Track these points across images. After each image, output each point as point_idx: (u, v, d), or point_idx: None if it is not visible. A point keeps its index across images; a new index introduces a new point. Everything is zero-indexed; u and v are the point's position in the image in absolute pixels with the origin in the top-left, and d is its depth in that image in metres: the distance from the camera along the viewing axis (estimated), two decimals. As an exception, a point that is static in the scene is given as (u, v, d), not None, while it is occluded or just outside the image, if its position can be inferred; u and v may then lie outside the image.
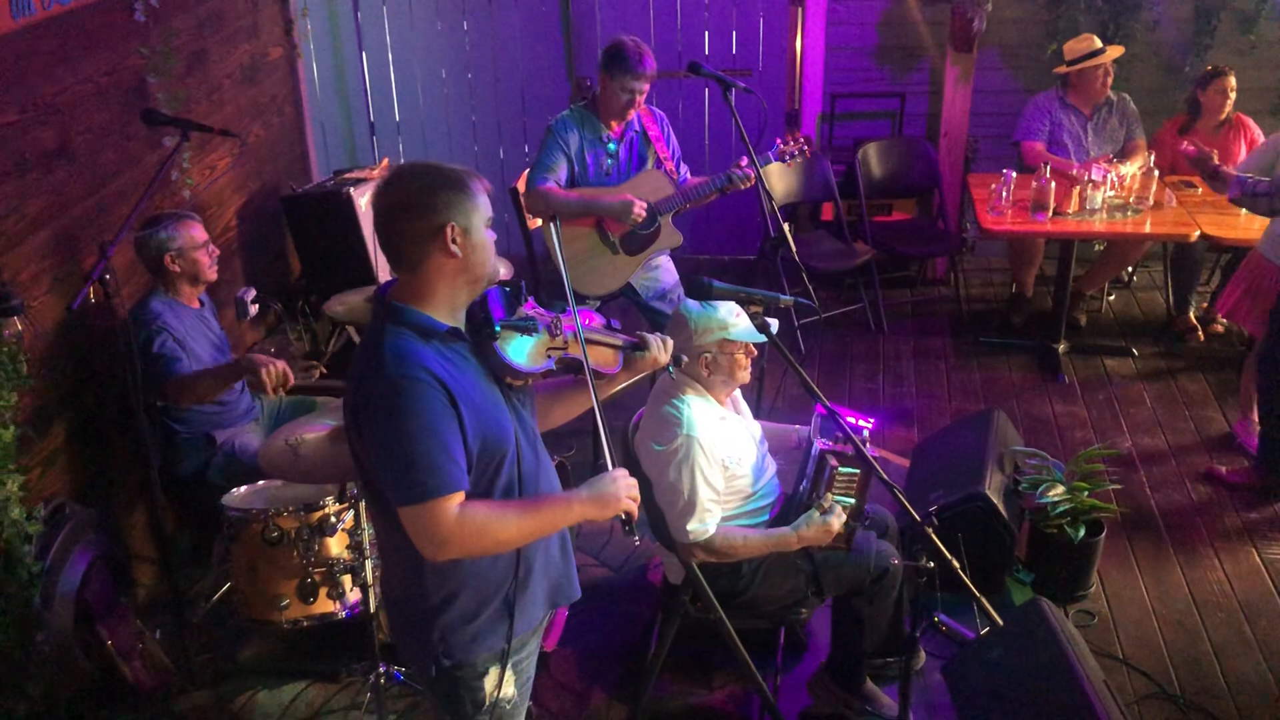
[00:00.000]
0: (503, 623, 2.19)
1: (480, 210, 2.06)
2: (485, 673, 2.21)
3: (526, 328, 2.17)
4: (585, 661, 3.52)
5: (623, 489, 2.14)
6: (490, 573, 2.15)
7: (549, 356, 2.19)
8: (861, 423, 3.06)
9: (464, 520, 1.98)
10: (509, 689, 2.25)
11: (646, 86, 4.07)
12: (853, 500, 2.95)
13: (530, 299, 2.25)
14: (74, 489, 3.56)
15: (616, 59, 4.01)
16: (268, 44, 5.20)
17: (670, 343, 2.42)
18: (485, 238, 2.07)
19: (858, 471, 2.91)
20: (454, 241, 2.02)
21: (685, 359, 2.72)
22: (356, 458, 2.12)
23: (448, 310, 2.09)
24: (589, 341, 2.26)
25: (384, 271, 4.54)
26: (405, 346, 2.00)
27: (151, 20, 3.97)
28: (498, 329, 2.09)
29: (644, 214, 4.12)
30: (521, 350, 2.14)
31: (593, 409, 2.23)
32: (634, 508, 2.15)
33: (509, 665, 2.22)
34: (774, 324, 2.76)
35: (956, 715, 3.00)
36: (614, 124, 4.18)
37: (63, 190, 3.54)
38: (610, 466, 2.18)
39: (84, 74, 3.64)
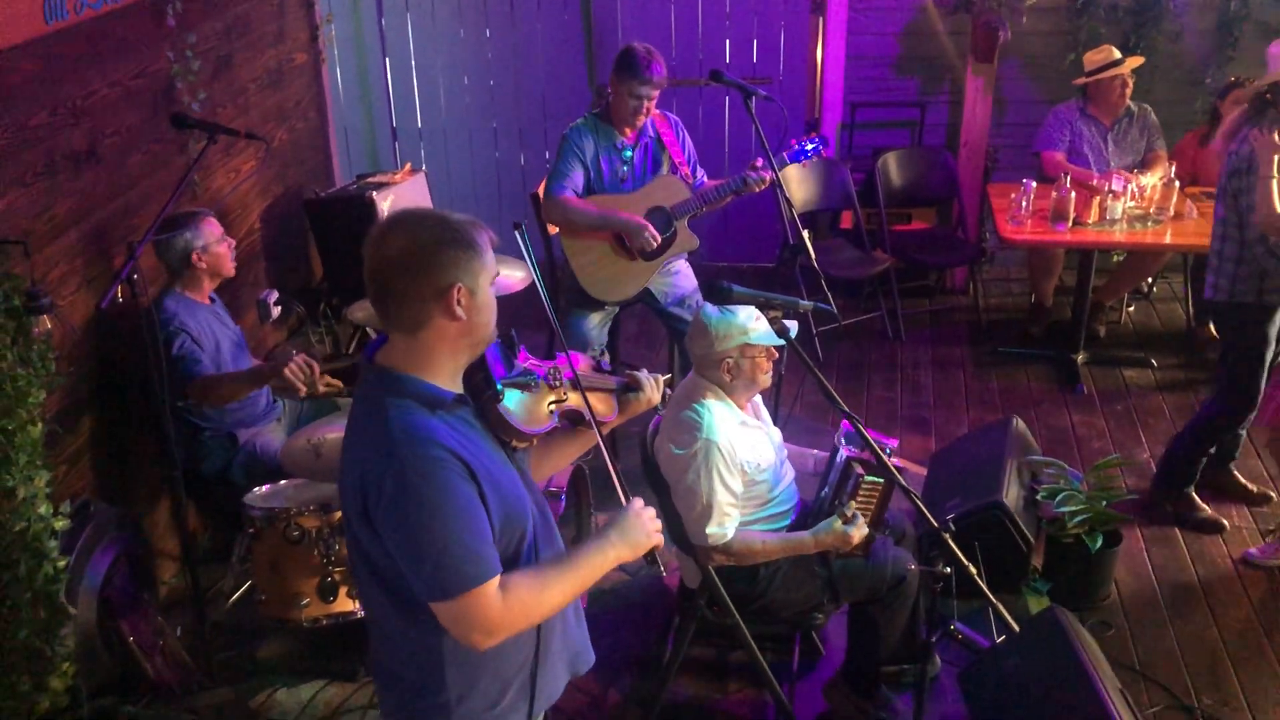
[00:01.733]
0: (524, 703, 2.06)
1: (487, 269, 1.88)
2: None
3: (526, 383, 2.05)
4: (601, 664, 3.49)
5: (647, 522, 2.04)
6: (513, 655, 2.01)
7: (551, 412, 2.09)
8: (885, 443, 3.07)
9: (510, 601, 1.84)
10: None
11: (655, 93, 4.09)
12: (873, 510, 2.96)
13: (523, 348, 2.14)
14: (98, 486, 3.60)
15: (625, 65, 4.04)
16: (293, 49, 5.25)
17: (662, 380, 2.33)
18: (490, 298, 1.91)
19: (880, 481, 2.92)
20: (459, 304, 1.83)
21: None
22: (357, 544, 1.91)
23: (449, 376, 1.92)
24: (589, 389, 2.17)
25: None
26: (414, 421, 1.81)
27: (179, 25, 4.02)
28: (500, 389, 1.95)
29: (656, 243, 4.15)
30: (525, 409, 2.03)
31: (596, 445, 2.15)
32: (660, 540, 2.05)
33: None
34: (793, 327, 2.77)
35: (972, 723, 3.01)
36: (628, 130, 4.20)
37: (91, 191, 3.59)
38: (624, 500, 2.08)
39: (113, 77, 3.69)
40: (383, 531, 1.83)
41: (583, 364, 2.25)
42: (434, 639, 1.92)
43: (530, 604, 1.89)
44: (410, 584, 1.85)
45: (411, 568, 1.82)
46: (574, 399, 2.13)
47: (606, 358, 4.47)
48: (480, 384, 1.96)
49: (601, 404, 2.23)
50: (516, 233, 2.14)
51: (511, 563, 1.93)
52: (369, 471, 1.81)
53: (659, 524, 2.07)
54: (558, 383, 2.12)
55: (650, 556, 2.05)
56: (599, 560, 1.99)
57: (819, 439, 3.56)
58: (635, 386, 2.28)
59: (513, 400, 1.99)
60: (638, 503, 2.07)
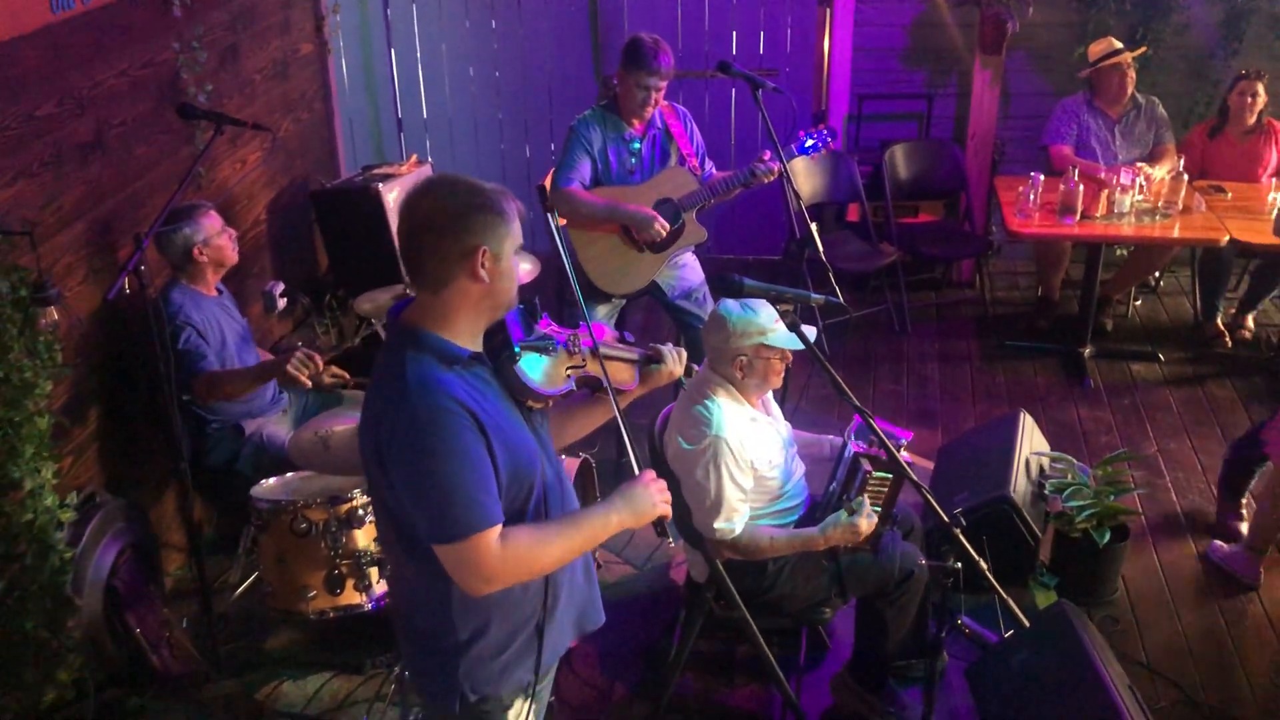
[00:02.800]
0: (531, 654, 2.13)
1: (513, 236, 1.98)
2: (510, 705, 2.15)
3: (544, 347, 2.12)
4: (608, 658, 3.54)
5: (655, 493, 2.10)
6: (521, 603, 2.09)
7: (568, 376, 2.15)
8: (899, 437, 3.07)
9: (509, 551, 1.93)
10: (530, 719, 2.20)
11: (663, 84, 4.07)
12: (882, 504, 2.94)
13: (545, 316, 2.20)
14: (105, 478, 3.60)
15: (633, 56, 4.03)
16: (299, 40, 5.23)
17: (684, 354, 2.37)
18: (513, 265, 2.00)
19: (889, 476, 2.90)
20: (483, 266, 1.93)
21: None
22: (375, 489, 2.02)
23: (468, 335, 2.01)
24: (607, 358, 2.22)
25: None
26: (429, 375, 1.91)
27: (186, 15, 4.01)
28: (517, 350, 2.04)
29: (665, 234, 4.14)
30: (541, 371, 2.09)
31: (614, 418, 2.20)
32: (668, 510, 2.12)
33: (532, 696, 2.17)
34: (811, 332, 2.74)
35: (979, 718, 3.00)
36: (635, 122, 4.19)
37: (97, 182, 3.58)
38: (636, 470, 2.15)
39: (119, 67, 3.68)
40: (392, 475, 1.93)
41: (607, 335, 2.32)
42: (443, 584, 2.00)
43: (527, 557, 1.97)
44: (418, 529, 1.94)
45: (417, 511, 1.92)
46: (593, 366, 2.19)
47: None
48: (499, 345, 2.05)
49: (623, 373, 2.29)
50: (550, 215, 2.31)
51: (518, 518, 2.01)
52: (384, 418, 1.92)
53: (668, 495, 2.13)
54: (576, 349, 2.18)
55: (660, 528, 2.13)
56: (601, 523, 2.07)
57: (825, 432, 3.54)
58: (658, 359, 2.33)
59: (529, 362, 2.07)
60: (649, 473, 2.13)
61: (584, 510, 2.12)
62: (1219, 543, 3.98)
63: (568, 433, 2.36)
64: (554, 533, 2.02)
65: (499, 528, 1.92)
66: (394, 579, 2.18)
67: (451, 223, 1.91)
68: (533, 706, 2.19)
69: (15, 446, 2.90)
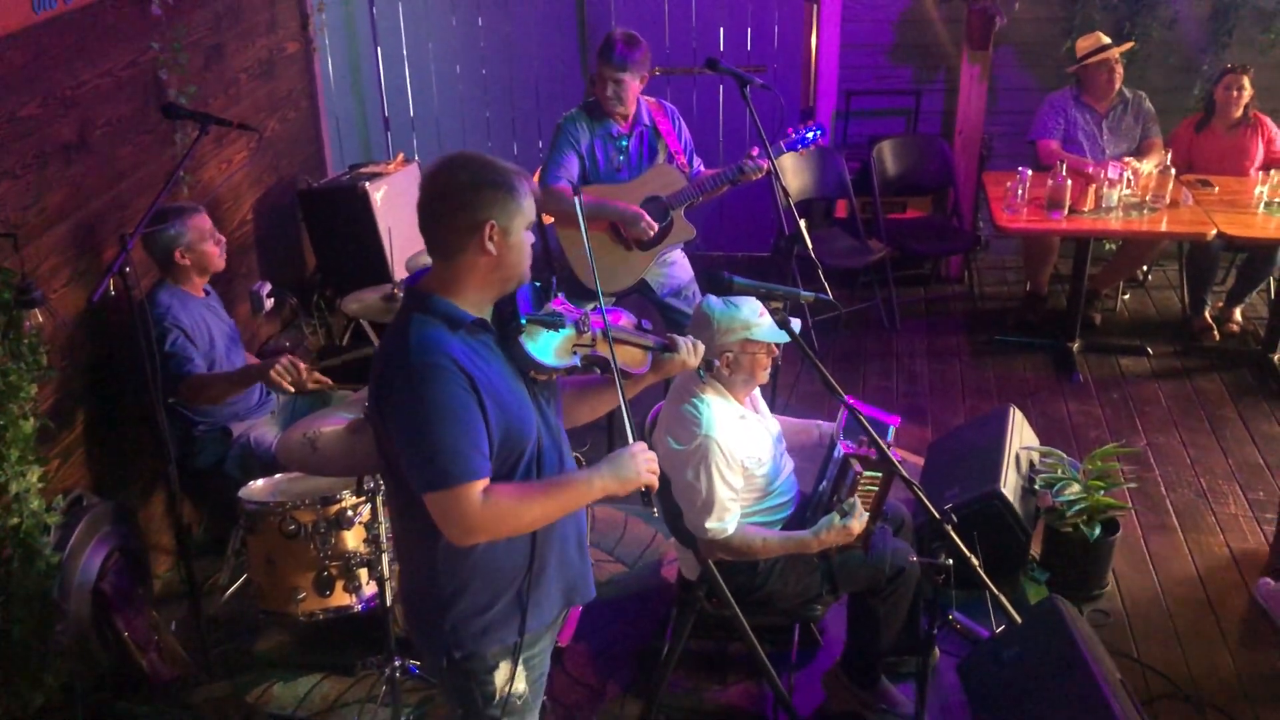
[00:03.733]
0: (515, 617, 2.19)
1: (524, 213, 2.06)
2: (496, 666, 2.21)
3: (553, 323, 2.18)
4: (600, 657, 3.53)
5: (642, 463, 2.15)
6: (504, 565, 2.16)
7: (574, 353, 2.20)
8: (886, 423, 3.06)
9: (489, 505, 2.00)
10: (520, 685, 2.25)
11: (626, 77, 4.06)
12: (872, 502, 2.94)
13: (560, 296, 2.28)
14: (92, 480, 3.58)
15: (601, 50, 4.06)
16: (284, 39, 5.21)
17: (701, 346, 2.44)
18: (523, 240, 2.08)
19: (880, 475, 2.90)
20: (491, 239, 2.02)
21: (716, 363, 2.75)
22: (380, 442, 2.13)
23: (476, 304, 2.09)
24: (617, 341, 2.28)
25: (399, 266, 4.55)
26: (431, 335, 2.01)
27: (168, 15, 3.98)
28: (523, 323, 2.12)
29: (652, 232, 4.13)
30: (546, 346, 2.16)
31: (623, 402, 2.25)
32: (654, 480, 2.17)
33: (520, 661, 2.23)
34: (796, 323, 2.75)
35: (971, 713, 3.01)
36: (618, 118, 4.18)
37: (81, 183, 3.55)
38: (631, 439, 2.20)
39: (103, 68, 3.65)
40: (389, 427, 2.03)
41: (623, 319, 2.38)
42: (430, 539, 2.09)
43: (507, 513, 2.04)
44: (407, 477, 2.03)
45: (408, 459, 2.01)
46: (603, 348, 2.25)
47: None
48: (506, 316, 2.14)
49: (634, 357, 2.35)
50: (576, 198, 2.40)
51: (507, 479, 2.09)
52: (385, 370, 2.03)
53: (655, 466, 2.18)
54: (586, 329, 2.24)
55: (646, 498, 2.17)
56: (584, 487, 2.13)
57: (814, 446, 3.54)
58: (673, 348, 2.39)
59: (535, 336, 2.14)
60: (640, 444, 2.19)
61: (569, 473, 2.21)
62: (1270, 580, 3.73)
63: (579, 413, 2.42)
64: (537, 491, 2.10)
65: (483, 482, 2.00)
66: (397, 537, 2.29)
67: (463, 196, 2.01)
68: (521, 671, 2.24)
69: (0, 451, 2.88)
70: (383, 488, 3.08)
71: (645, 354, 2.37)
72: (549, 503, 2.11)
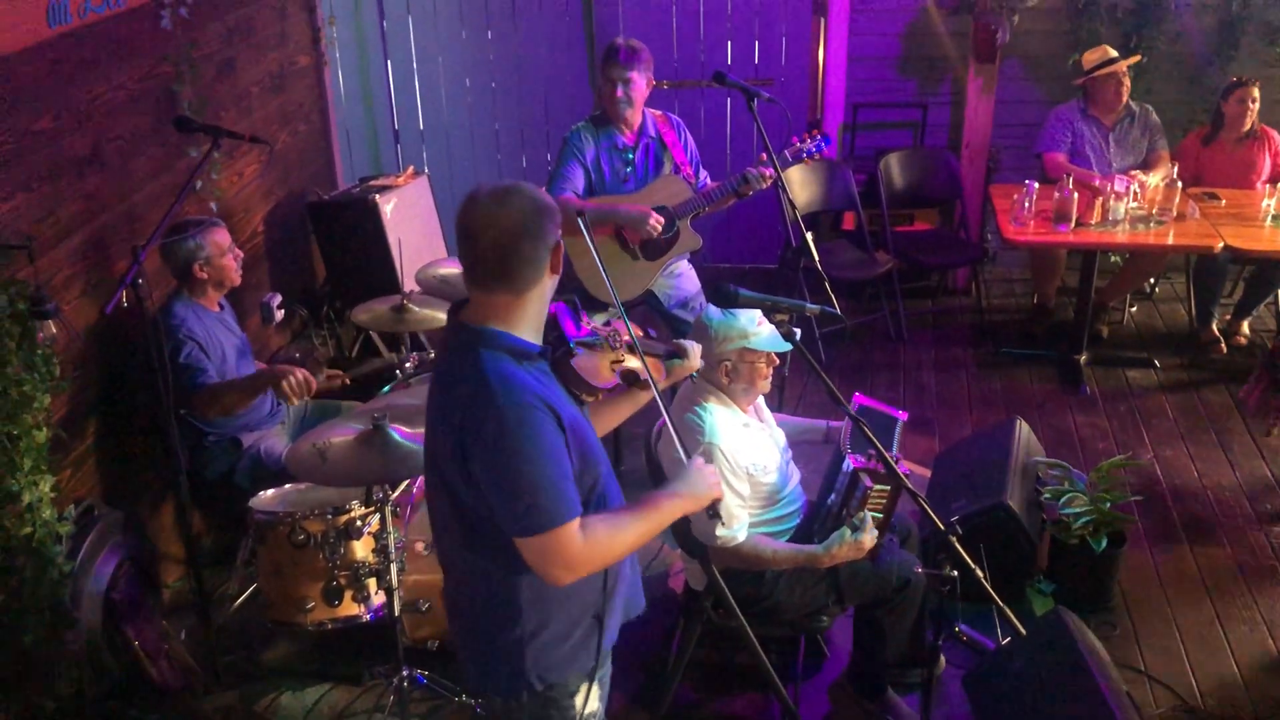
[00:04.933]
0: (592, 639, 2.20)
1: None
2: (576, 691, 2.22)
3: (591, 343, 2.21)
4: (606, 667, 3.53)
5: (710, 476, 2.22)
6: (585, 591, 2.15)
7: (614, 370, 2.24)
8: (895, 417, 3.09)
9: (590, 541, 2.00)
10: (594, 704, 2.26)
11: (632, 77, 4.09)
12: (881, 515, 2.95)
13: (584, 312, 2.31)
14: (103, 491, 3.60)
15: (606, 56, 4.12)
16: (295, 52, 5.25)
17: (699, 349, 2.49)
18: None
19: (888, 488, 2.91)
20: (557, 256, 2.03)
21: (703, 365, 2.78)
22: (446, 488, 2.07)
23: (533, 331, 2.08)
24: (641, 352, 2.32)
25: (409, 278, 4.57)
26: (509, 372, 1.98)
27: (181, 29, 4.02)
28: (572, 347, 2.14)
29: (659, 228, 4.15)
30: (591, 365, 2.18)
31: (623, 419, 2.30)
32: (721, 492, 2.24)
33: (595, 680, 2.24)
34: (797, 332, 2.77)
35: (977, 725, 3.01)
36: (627, 129, 4.21)
37: (95, 196, 3.59)
38: (684, 457, 2.26)
39: (116, 81, 3.69)
40: (479, 473, 1.98)
41: (637, 332, 2.40)
42: (514, 578, 2.07)
43: (606, 543, 2.05)
44: (500, 523, 1.99)
45: (504, 506, 1.97)
46: (631, 360, 2.29)
47: None
48: (554, 341, 2.14)
49: (655, 368, 2.40)
50: (580, 220, 2.42)
51: (585, 507, 2.06)
52: (469, 417, 1.96)
53: (719, 478, 2.26)
54: (618, 344, 2.28)
55: (712, 509, 2.23)
56: (667, 508, 2.17)
57: (823, 446, 3.55)
58: (680, 353, 2.45)
59: (583, 357, 2.17)
60: (699, 459, 2.25)
61: (650, 496, 2.19)
62: None
63: (601, 424, 2.43)
64: (628, 519, 2.11)
65: (580, 518, 2.00)
66: (457, 577, 2.22)
67: (538, 225, 1.99)
68: (596, 690, 2.26)
69: (13, 460, 2.91)
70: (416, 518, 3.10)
71: (659, 362, 2.43)
72: (640, 527, 2.11)
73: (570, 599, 2.14)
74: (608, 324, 2.33)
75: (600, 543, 2.02)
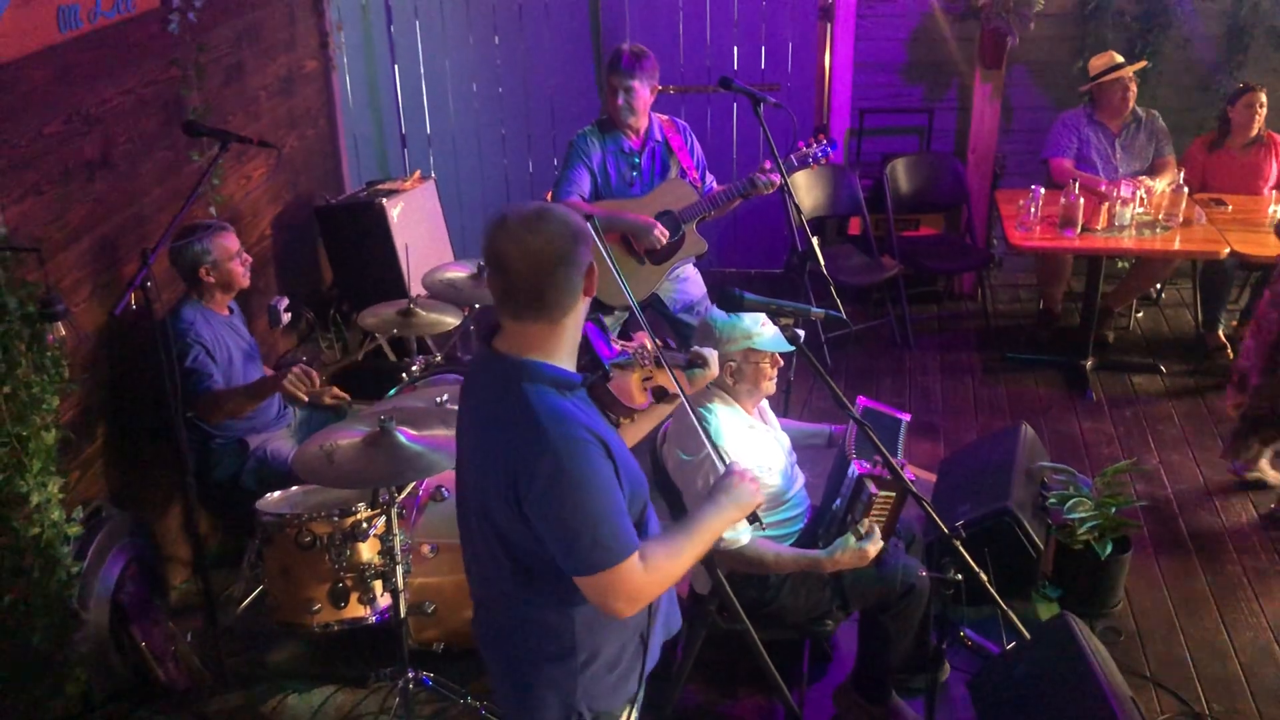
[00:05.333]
0: (638, 663, 2.19)
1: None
2: (620, 715, 2.21)
3: (623, 363, 2.18)
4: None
5: (750, 483, 2.18)
6: (633, 619, 2.11)
7: (645, 389, 2.20)
8: (899, 418, 3.09)
9: (650, 569, 1.98)
10: None
11: (637, 85, 4.11)
12: (885, 521, 2.95)
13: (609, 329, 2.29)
14: (110, 492, 3.62)
15: (610, 62, 4.14)
16: (304, 57, 5.28)
17: (715, 353, 2.46)
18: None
19: (893, 495, 2.92)
20: (591, 279, 1.98)
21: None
22: (492, 525, 2.01)
23: (570, 357, 2.03)
24: (665, 366, 2.26)
25: (415, 282, 4.59)
26: (557, 406, 1.93)
27: (189, 33, 4.05)
28: (608, 369, 2.10)
29: (664, 239, 4.16)
30: (626, 388, 2.14)
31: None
32: (763, 499, 2.23)
33: (636, 705, 2.23)
34: (802, 334, 2.77)
35: (982, 729, 3.01)
36: (633, 134, 4.22)
37: (104, 199, 3.61)
38: (721, 466, 2.25)
39: (125, 85, 3.72)
40: (534, 512, 1.92)
41: (652, 344, 2.36)
42: (567, 610, 2.04)
43: (666, 570, 2.03)
44: (559, 561, 1.95)
45: (564, 545, 1.92)
46: (659, 375, 2.24)
47: None
48: (589, 365, 2.10)
49: (679, 380, 2.34)
50: (590, 224, 2.29)
51: (635, 530, 2.02)
52: (521, 455, 1.90)
53: (759, 483, 2.22)
54: (646, 360, 2.23)
55: (753, 515, 2.20)
56: (717, 523, 2.14)
57: (826, 450, 3.55)
58: (701, 362, 2.40)
59: (618, 379, 2.13)
60: (736, 465, 2.22)
61: (697, 514, 2.16)
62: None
63: (626, 442, 2.39)
64: (682, 541, 2.08)
65: (639, 549, 1.96)
66: (500, 610, 2.14)
67: (571, 251, 1.92)
68: (635, 714, 2.25)
69: (23, 461, 2.92)
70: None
71: (682, 373, 2.37)
72: (695, 548, 2.09)
73: (621, 626, 2.11)
74: (630, 339, 2.30)
75: (661, 570, 2.00)
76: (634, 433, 2.40)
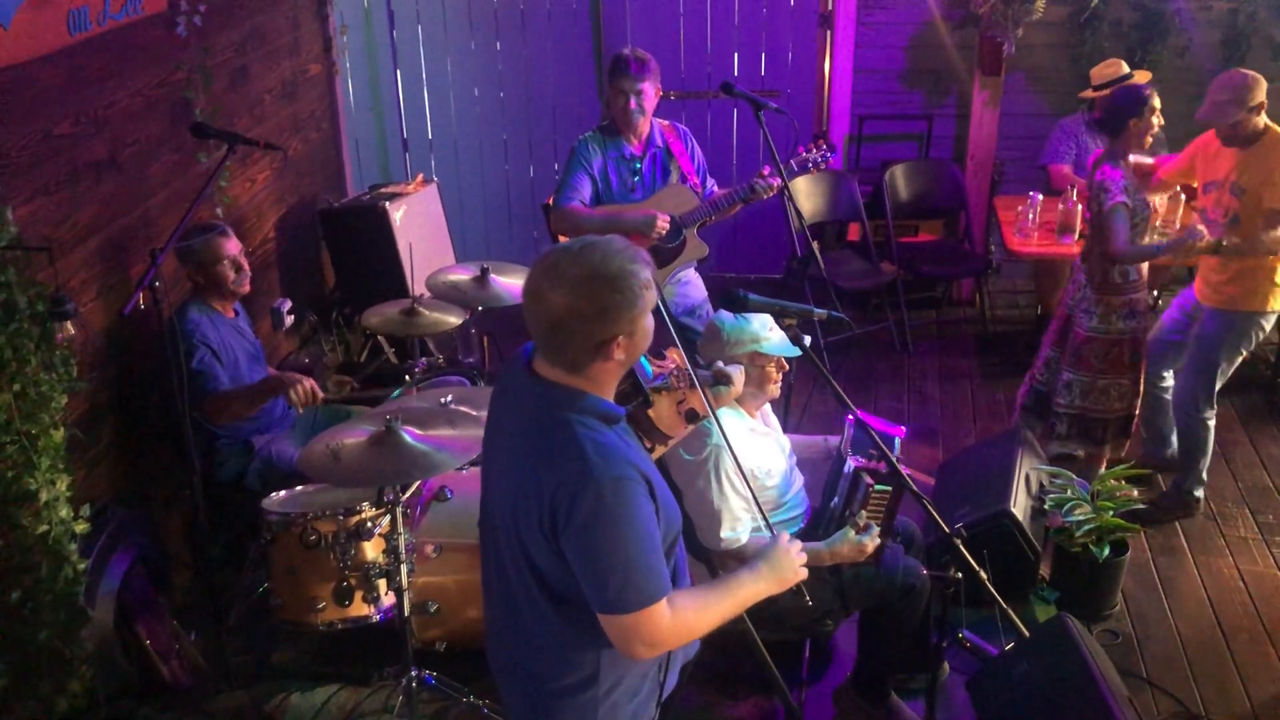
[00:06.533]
0: (655, 691, 2.18)
1: (648, 306, 1.93)
2: None
3: (660, 387, 2.14)
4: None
5: (795, 557, 2.16)
6: None
7: (681, 414, 2.17)
8: (892, 434, 3.10)
9: (677, 620, 1.96)
10: None
11: (643, 89, 4.14)
12: (883, 517, 2.98)
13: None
14: (116, 491, 3.64)
15: (613, 65, 4.16)
16: (307, 61, 5.31)
17: (742, 373, 2.45)
18: (648, 326, 1.96)
19: (890, 489, 2.94)
20: (618, 347, 1.92)
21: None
22: (523, 553, 1.98)
23: (609, 389, 2.02)
24: (696, 385, 2.23)
25: (418, 284, 4.61)
26: (603, 440, 1.90)
27: (196, 36, 4.08)
28: (648, 397, 2.07)
29: (667, 228, 4.19)
30: (664, 415, 2.11)
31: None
32: (805, 573, 2.19)
33: None
34: (807, 339, 2.80)
35: (981, 729, 3.03)
36: (632, 137, 4.25)
37: (112, 200, 3.64)
38: (771, 532, 2.22)
39: (134, 88, 3.75)
40: (569, 545, 1.90)
41: (685, 362, 2.32)
42: (593, 644, 2.02)
43: (691, 623, 2.01)
44: (586, 595, 1.93)
45: (594, 582, 1.90)
46: (691, 397, 2.21)
47: None
48: (629, 392, 2.05)
49: (707, 399, 2.32)
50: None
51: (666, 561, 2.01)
52: (563, 488, 1.86)
53: (804, 558, 2.19)
54: (681, 383, 2.21)
55: (796, 588, 2.19)
56: (751, 591, 2.11)
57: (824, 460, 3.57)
58: (725, 380, 2.39)
59: (657, 407, 2.10)
60: (784, 537, 2.19)
61: (735, 577, 2.13)
62: None
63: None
64: (714, 600, 2.06)
65: (668, 595, 1.95)
66: (521, 638, 2.10)
67: (594, 314, 1.87)
68: None
69: (31, 459, 2.94)
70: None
71: (709, 391, 2.35)
72: (724, 609, 2.07)
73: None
74: (663, 356, 2.27)
75: (686, 622, 1.99)
76: (658, 452, 2.37)
